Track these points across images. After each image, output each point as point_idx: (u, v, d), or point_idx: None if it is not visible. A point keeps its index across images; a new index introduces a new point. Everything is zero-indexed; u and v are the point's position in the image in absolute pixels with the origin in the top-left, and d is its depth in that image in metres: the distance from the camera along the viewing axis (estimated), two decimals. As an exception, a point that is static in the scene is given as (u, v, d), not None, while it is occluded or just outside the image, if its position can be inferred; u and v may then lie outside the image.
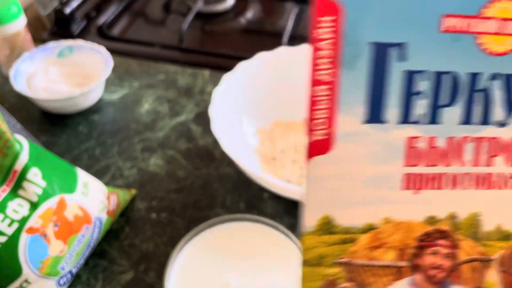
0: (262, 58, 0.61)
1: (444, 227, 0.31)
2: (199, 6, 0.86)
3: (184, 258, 0.42)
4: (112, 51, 0.75)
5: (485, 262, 0.32)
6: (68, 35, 0.80)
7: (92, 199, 0.46)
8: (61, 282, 0.43)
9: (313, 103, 0.27)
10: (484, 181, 0.31)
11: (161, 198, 0.54)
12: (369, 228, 0.31)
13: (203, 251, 0.43)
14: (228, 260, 0.43)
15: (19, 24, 0.63)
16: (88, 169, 0.57)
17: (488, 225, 0.32)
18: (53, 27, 0.81)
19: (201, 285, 0.41)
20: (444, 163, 0.30)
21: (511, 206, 0.32)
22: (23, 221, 0.39)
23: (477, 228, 0.32)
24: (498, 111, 0.29)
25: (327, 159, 0.29)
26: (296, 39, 0.86)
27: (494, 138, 0.30)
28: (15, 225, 0.39)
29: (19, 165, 0.40)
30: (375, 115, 0.28)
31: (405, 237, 0.31)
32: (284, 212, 0.53)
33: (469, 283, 0.33)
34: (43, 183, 0.41)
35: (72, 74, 0.65)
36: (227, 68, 0.70)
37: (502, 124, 0.29)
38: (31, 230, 0.40)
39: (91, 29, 0.82)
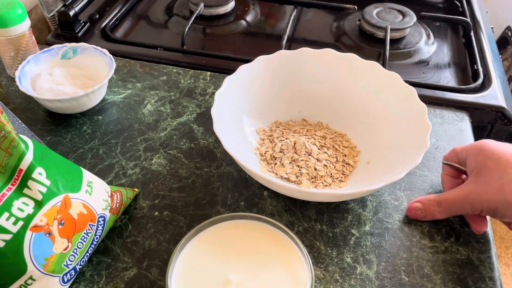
0: (262, 60, 0.61)
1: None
2: (200, 9, 0.86)
3: (186, 255, 0.43)
4: (115, 53, 0.76)
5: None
6: (72, 37, 0.80)
7: (96, 198, 0.46)
8: (66, 279, 0.44)
9: None
10: None
11: (163, 197, 0.55)
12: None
13: (204, 248, 0.43)
14: (229, 257, 0.43)
15: (24, 26, 0.64)
16: (92, 168, 0.58)
17: None
18: (57, 29, 0.81)
19: (203, 282, 0.41)
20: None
21: None
22: (28, 219, 0.40)
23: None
24: None
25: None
26: (295, 42, 0.87)
27: None
28: (20, 223, 0.39)
29: (24, 165, 0.40)
30: None
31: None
32: (283, 210, 0.54)
33: None
34: (47, 182, 0.42)
35: (76, 75, 0.66)
36: (228, 70, 0.71)
37: None
38: (36, 228, 0.40)
39: (94, 31, 0.82)
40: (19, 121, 0.54)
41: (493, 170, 0.47)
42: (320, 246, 0.51)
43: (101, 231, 0.47)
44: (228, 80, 0.58)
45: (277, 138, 0.60)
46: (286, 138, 0.59)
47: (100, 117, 0.65)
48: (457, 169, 0.54)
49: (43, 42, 0.86)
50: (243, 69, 0.60)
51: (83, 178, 0.46)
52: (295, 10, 0.88)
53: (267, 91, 0.62)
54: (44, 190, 0.41)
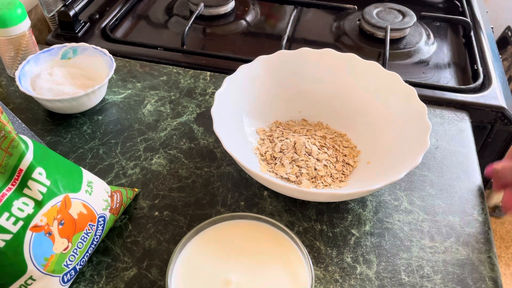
0: (262, 60, 0.61)
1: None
2: (200, 9, 0.86)
3: (186, 255, 0.43)
4: (115, 53, 0.76)
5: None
6: (72, 37, 0.80)
7: (96, 198, 0.46)
8: (66, 279, 0.44)
9: None
10: None
11: (163, 197, 0.55)
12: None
13: (204, 249, 0.43)
14: (229, 257, 0.43)
15: (24, 26, 0.64)
16: (92, 168, 0.58)
17: None
18: (57, 29, 0.81)
19: (203, 282, 0.41)
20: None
21: None
22: (28, 219, 0.40)
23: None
24: None
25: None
26: (295, 42, 0.87)
27: None
28: (20, 223, 0.39)
29: (24, 165, 0.40)
30: None
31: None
32: (283, 210, 0.54)
33: None
34: (47, 182, 0.42)
35: (76, 75, 0.66)
36: (228, 70, 0.71)
37: None
38: (36, 228, 0.40)
39: (94, 31, 0.82)
40: (19, 121, 0.54)
41: None
42: (320, 246, 0.51)
43: (101, 231, 0.47)
44: (228, 80, 0.58)
45: (277, 138, 0.60)
46: (286, 138, 0.59)
47: (100, 117, 0.65)
48: None
49: (43, 42, 0.86)
50: (243, 69, 0.60)
51: (83, 178, 0.46)
52: (295, 10, 0.88)
53: (267, 91, 0.62)
54: (44, 190, 0.41)
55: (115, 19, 0.86)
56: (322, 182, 0.55)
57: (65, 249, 0.43)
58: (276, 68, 0.62)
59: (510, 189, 0.50)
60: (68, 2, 0.81)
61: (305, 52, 0.62)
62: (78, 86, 0.64)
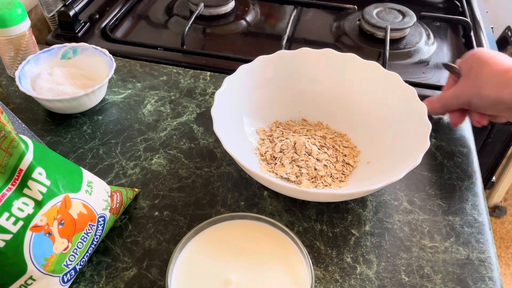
0: (262, 60, 0.61)
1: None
2: (200, 9, 0.86)
3: (186, 255, 0.43)
4: (115, 53, 0.76)
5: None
6: (72, 37, 0.80)
7: (96, 198, 0.46)
8: (66, 279, 0.44)
9: None
10: None
11: (163, 197, 0.55)
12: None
13: (204, 249, 0.43)
14: (229, 257, 0.43)
15: (24, 26, 0.64)
16: (92, 168, 0.58)
17: None
18: (57, 29, 0.81)
19: (203, 282, 0.41)
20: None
21: None
22: (28, 219, 0.40)
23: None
24: None
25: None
26: (295, 42, 0.87)
27: None
28: (20, 223, 0.39)
29: (24, 165, 0.41)
30: None
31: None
32: (283, 210, 0.54)
33: None
34: (47, 182, 0.42)
35: (76, 75, 0.66)
36: (228, 70, 0.71)
37: None
38: (36, 228, 0.40)
39: (94, 31, 0.82)
40: (19, 121, 0.54)
41: (476, 71, 0.56)
42: (320, 246, 0.51)
43: (101, 231, 0.47)
44: (228, 80, 0.58)
45: (277, 138, 0.60)
46: (286, 138, 0.59)
47: (100, 117, 0.65)
48: (453, 71, 0.61)
49: (43, 42, 0.86)
50: (243, 69, 0.60)
51: (83, 178, 0.46)
52: (295, 10, 0.88)
53: (267, 91, 0.62)
54: (44, 190, 0.41)
55: (115, 19, 0.86)
56: (322, 182, 0.55)
57: (65, 249, 0.43)
58: (276, 68, 0.62)
59: (450, 113, 0.62)
60: (68, 2, 0.81)
61: (305, 52, 0.62)
62: (78, 86, 0.64)
